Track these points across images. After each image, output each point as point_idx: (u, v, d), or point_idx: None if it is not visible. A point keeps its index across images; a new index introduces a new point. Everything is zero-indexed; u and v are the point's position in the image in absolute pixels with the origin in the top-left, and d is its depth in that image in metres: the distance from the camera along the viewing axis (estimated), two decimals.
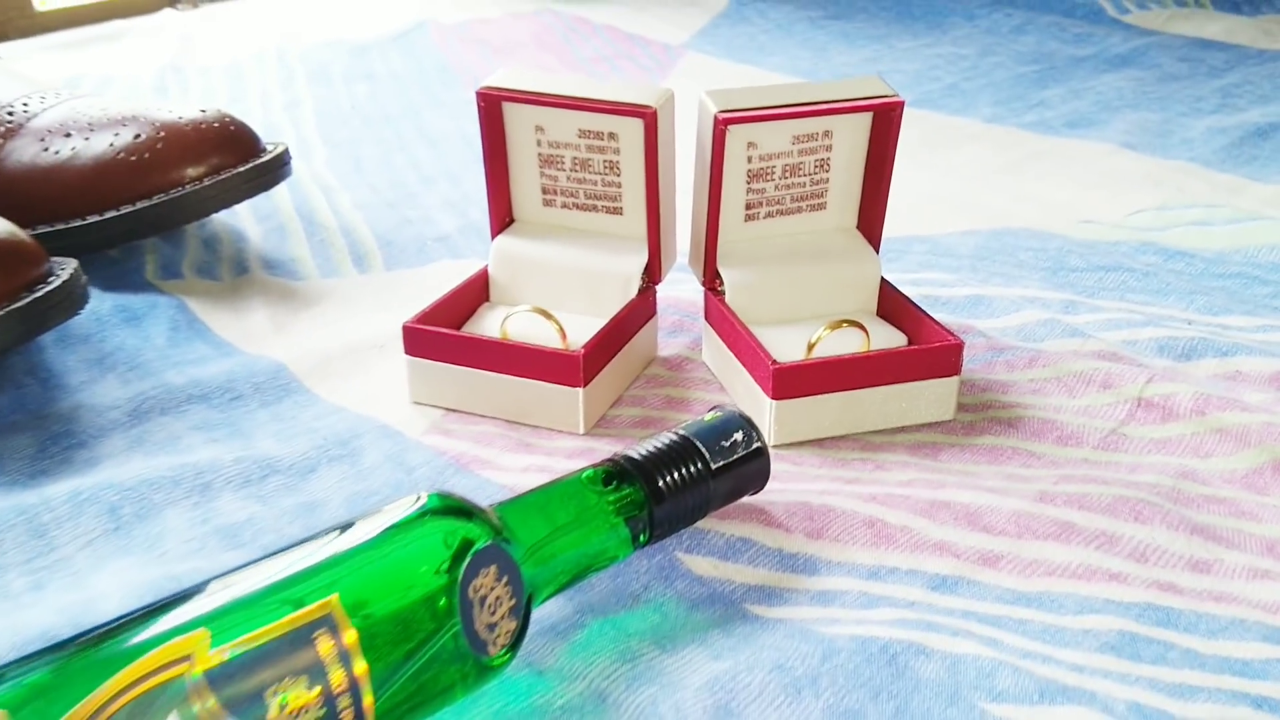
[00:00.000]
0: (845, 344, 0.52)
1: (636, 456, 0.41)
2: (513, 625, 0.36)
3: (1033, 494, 0.46)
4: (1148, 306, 0.61)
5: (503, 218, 0.58)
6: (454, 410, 0.52)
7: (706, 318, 0.56)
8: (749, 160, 0.54)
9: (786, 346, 0.53)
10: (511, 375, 0.50)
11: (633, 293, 0.55)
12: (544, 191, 0.57)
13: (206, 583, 0.33)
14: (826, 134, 0.54)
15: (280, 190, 0.71)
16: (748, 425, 0.44)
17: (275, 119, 0.85)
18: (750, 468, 0.43)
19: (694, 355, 0.57)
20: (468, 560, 0.35)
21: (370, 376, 0.54)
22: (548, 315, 0.53)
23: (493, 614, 0.35)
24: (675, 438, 0.42)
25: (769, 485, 0.46)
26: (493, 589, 0.36)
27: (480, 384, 0.51)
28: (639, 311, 0.55)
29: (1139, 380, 0.52)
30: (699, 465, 0.42)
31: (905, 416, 0.51)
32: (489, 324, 0.55)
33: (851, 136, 0.55)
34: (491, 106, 0.54)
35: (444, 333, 0.51)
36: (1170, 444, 0.50)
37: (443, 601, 0.34)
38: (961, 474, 0.48)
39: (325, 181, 0.74)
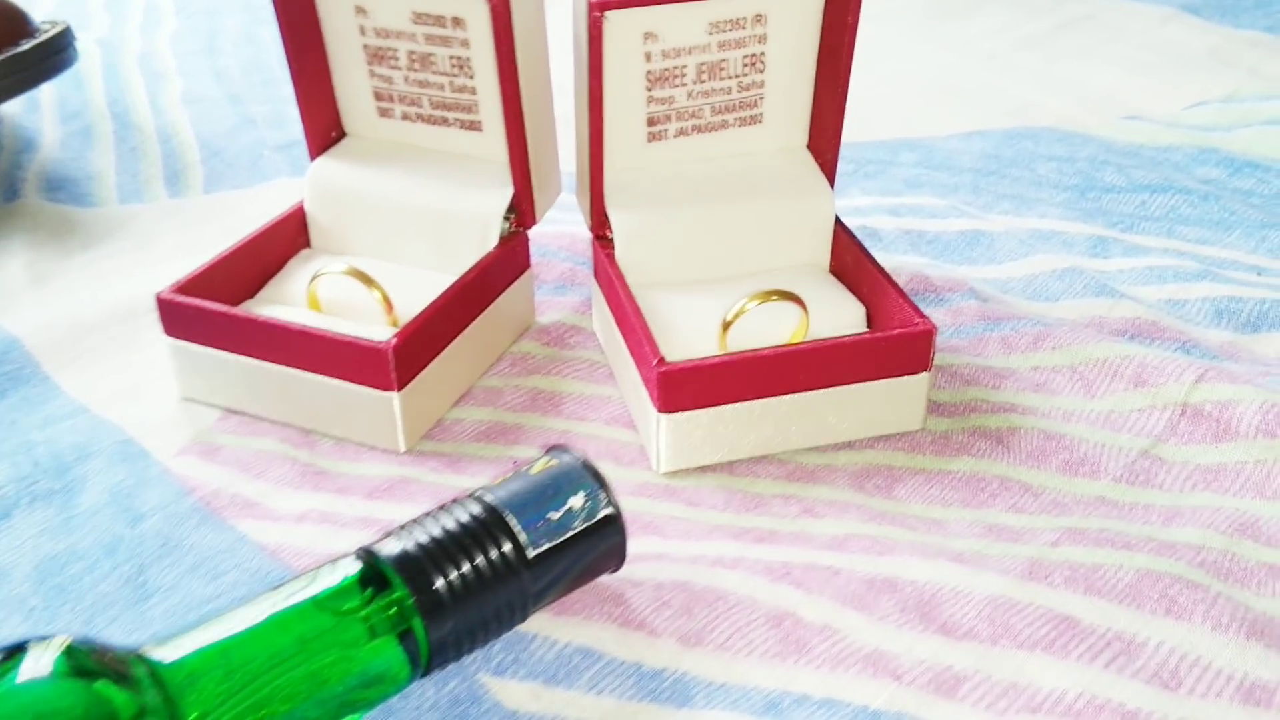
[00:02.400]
0: (776, 322, 0.37)
1: (405, 548, 0.27)
2: None
3: (1021, 563, 0.32)
4: (1205, 246, 0.46)
5: (324, 132, 0.43)
6: (235, 411, 0.38)
7: (596, 277, 0.41)
8: (648, 59, 0.39)
9: (697, 325, 0.38)
10: (302, 371, 0.36)
11: (493, 241, 0.40)
12: (377, 97, 0.42)
13: None
14: (758, 19, 0.39)
15: (95, 78, 0.56)
16: (592, 483, 0.30)
17: None
18: (593, 547, 0.29)
19: (585, 321, 0.42)
20: None
21: (137, 357, 0.40)
22: (367, 280, 0.38)
23: None
24: (477, 509, 0.28)
25: (636, 549, 0.32)
26: None
27: (262, 381, 0.37)
28: (501, 267, 0.40)
29: (1186, 377, 0.37)
30: (506, 553, 0.28)
31: (855, 429, 0.37)
32: (297, 285, 0.40)
33: (794, 22, 0.39)
34: None
35: (208, 308, 0.37)
36: (1225, 476, 0.35)
37: None
38: (922, 526, 0.34)
39: (157, 65, 0.59)
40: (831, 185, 0.41)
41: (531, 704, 0.29)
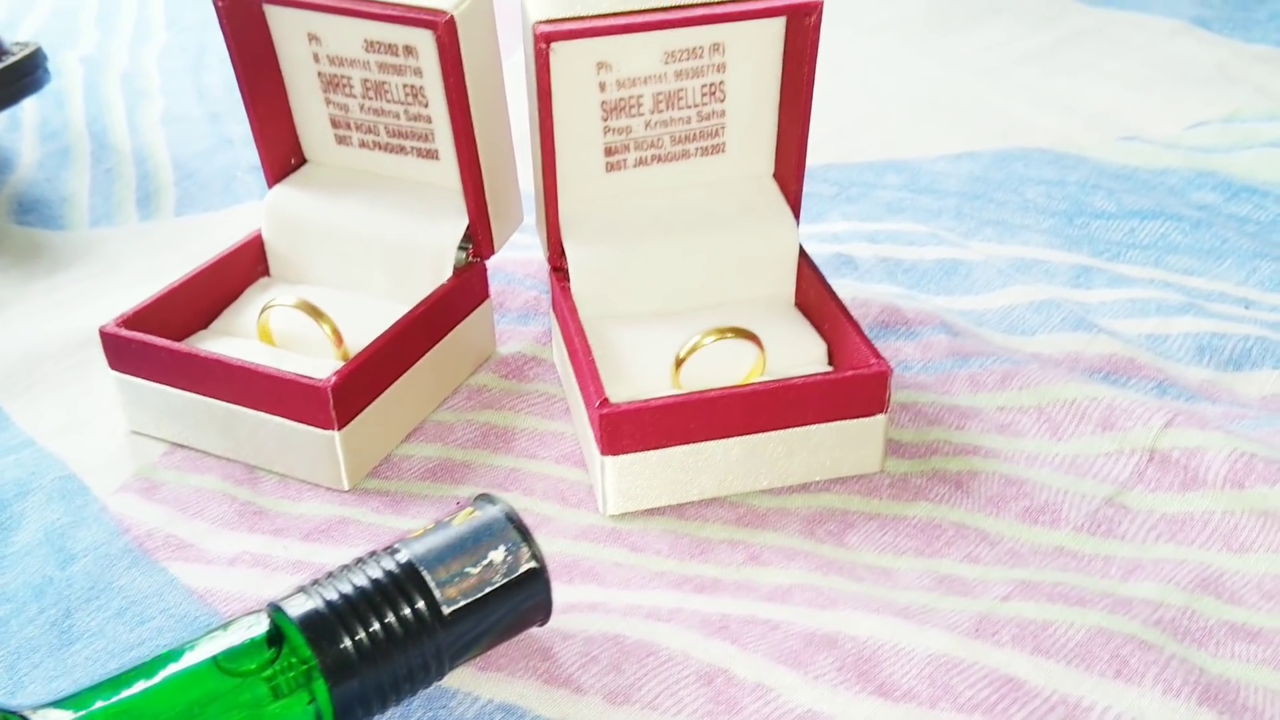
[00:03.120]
0: (733, 360, 0.36)
1: (314, 606, 0.27)
2: None
3: (969, 619, 0.31)
4: (1193, 277, 0.44)
5: (283, 159, 0.42)
6: (182, 446, 0.37)
7: (553, 309, 0.40)
8: (602, 88, 0.38)
9: (652, 361, 0.37)
10: (244, 408, 0.36)
11: (447, 271, 0.39)
12: (334, 125, 0.41)
13: None
14: (716, 48, 0.38)
15: (77, 97, 0.56)
16: (514, 536, 0.29)
17: None
18: (514, 602, 0.28)
19: (546, 352, 0.42)
20: None
21: (89, 388, 0.40)
22: (316, 313, 0.37)
23: None
24: (392, 565, 0.28)
25: (573, 597, 0.31)
26: None
27: (205, 416, 0.36)
28: (455, 299, 0.39)
29: (1155, 421, 0.36)
30: (419, 610, 0.27)
31: (810, 471, 0.35)
32: (251, 316, 0.40)
33: (753, 50, 0.38)
34: (236, 6, 0.38)
35: (150, 342, 0.36)
36: (1190, 526, 0.33)
37: None
38: (870, 576, 0.32)
39: (141, 84, 0.58)
40: (797, 215, 0.40)
41: None
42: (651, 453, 0.34)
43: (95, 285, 0.45)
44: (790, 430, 0.35)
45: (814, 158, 0.52)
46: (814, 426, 0.35)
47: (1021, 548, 0.33)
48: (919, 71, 0.60)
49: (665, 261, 0.39)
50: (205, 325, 0.40)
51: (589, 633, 0.31)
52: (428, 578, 0.27)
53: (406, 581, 0.27)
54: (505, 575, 0.28)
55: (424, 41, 0.37)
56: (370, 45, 0.38)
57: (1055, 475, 0.35)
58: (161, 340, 0.36)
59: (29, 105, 0.56)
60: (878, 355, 0.35)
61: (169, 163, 0.52)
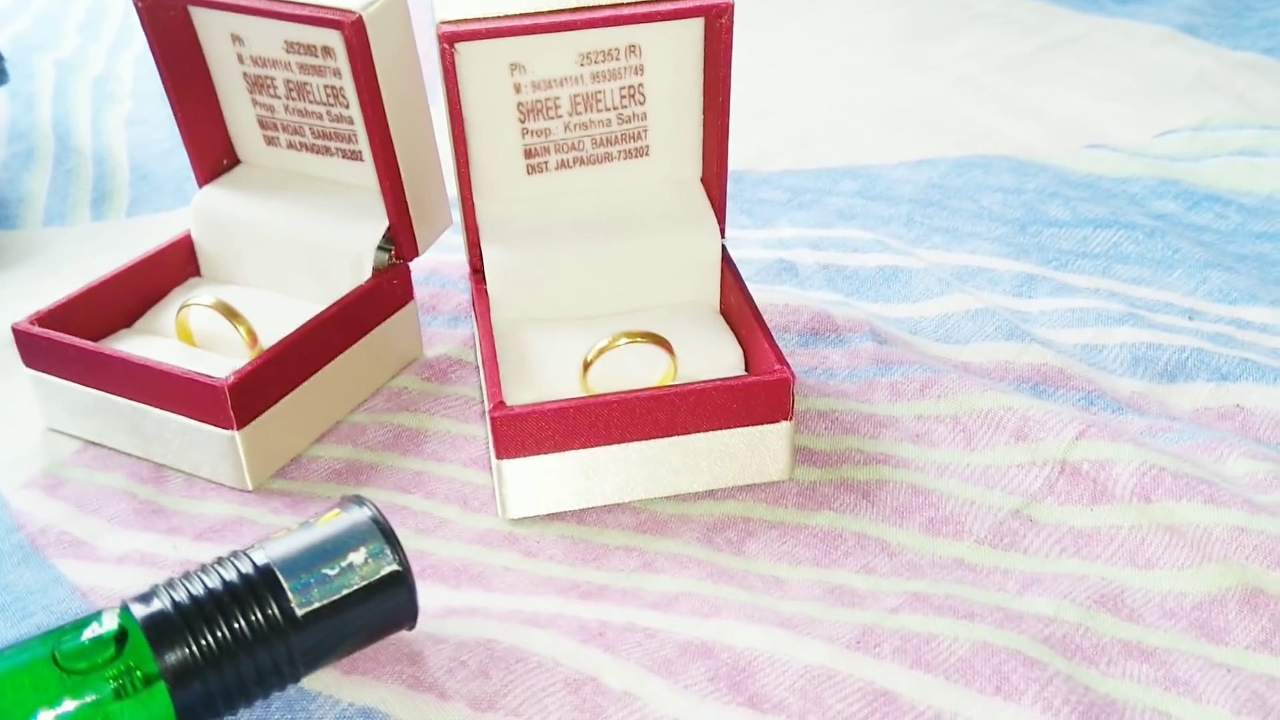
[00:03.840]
0: (648, 365, 0.36)
1: (162, 606, 0.26)
2: None
3: (853, 631, 0.30)
4: (1139, 287, 0.43)
5: (214, 160, 0.42)
6: (94, 444, 0.38)
7: (472, 311, 0.40)
8: (517, 89, 0.37)
9: (563, 365, 0.37)
10: (149, 406, 0.36)
11: (366, 273, 0.39)
12: (261, 126, 0.41)
13: None
14: (632, 50, 0.37)
15: (46, 100, 0.57)
16: (377, 538, 0.28)
17: None
18: (375, 605, 0.28)
19: (472, 355, 0.41)
20: None
21: (12, 384, 0.40)
22: (231, 314, 0.37)
23: None
24: (248, 566, 0.27)
25: (455, 602, 0.31)
26: None
27: (114, 414, 0.37)
28: (372, 300, 0.39)
29: (1066, 432, 0.35)
30: (271, 612, 0.27)
31: (714, 478, 0.35)
32: (173, 315, 0.40)
33: (672, 53, 0.37)
34: (155, 7, 0.38)
35: (59, 339, 0.36)
36: (1097, 541, 0.32)
37: None
38: (761, 585, 0.32)
39: (112, 87, 0.59)
40: (721, 219, 0.39)
41: None
42: (547, 457, 0.33)
43: (37, 285, 0.45)
44: (691, 436, 0.34)
45: (771, 164, 0.52)
46: (715, 433, 0.34)
47: (921, 559, 0.33)
48: (891, 80, 0.59)
49: (583, 265, 0.38)
50: (129, 324, 0.40)
51: (462, 638, 0.30)
52: (283, 580, 0.27)
53: (260, 583, 0.27)
54: (365, 579, 0.28)
55: (340, 42, 0.37)
56: (290, 46, 0.38)
57: (964, 486, 0.34)
58: (70, 338, 0.36)
59: (0, 108, 0.57)
60: (783, 361, 0.34)
61: (126, 164, 0.52)
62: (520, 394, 0.36)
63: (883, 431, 0.37)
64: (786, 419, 0.34)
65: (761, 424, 0.34)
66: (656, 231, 0.39)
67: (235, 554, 0.28)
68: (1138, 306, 0.42)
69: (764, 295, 0.42)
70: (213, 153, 0.42)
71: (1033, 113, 0.56)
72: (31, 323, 0.37)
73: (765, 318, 0.41)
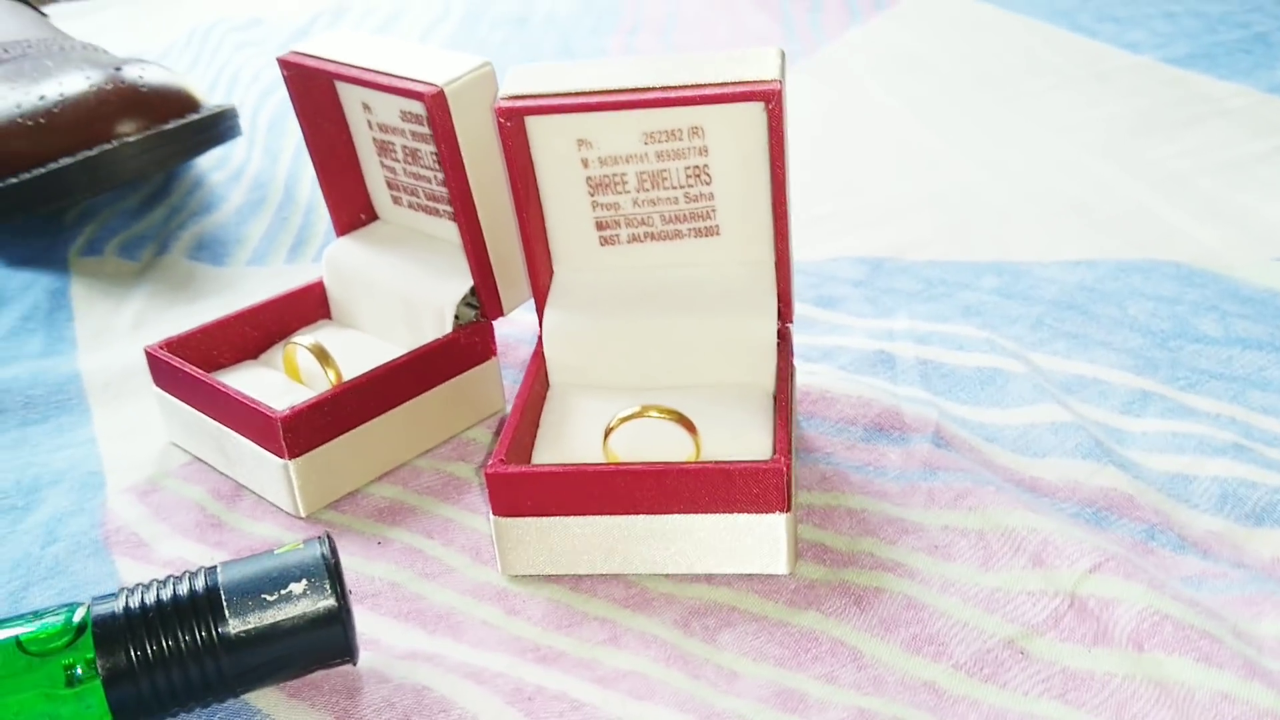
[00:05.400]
0: (674, 442, 0.36)
1: (115, 609, 0.29)
2: None
3: None
4: (1266, 417, 0.39)
5: (353, 215, 0.46)
6: (199, 460, 0.42)
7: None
8: (585, 164, 0.39)
9: (596, 429, 0.37)
10: (230, 430, 0.40)
11: (447, 328, 0.42)
12: (389, 186, 0.45)
13: None
14: (695, 131, 0.38)
15: (286, 155, 0.63)
16: (321, 572, 0.30)
17: None
18: (308, 637, 0.30)
19: None
20: None
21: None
22: (323, 357, 0.41)
23: None
24: (200, 583, 0.30)
25: (420, 647, 0.32)
26: None
27: (208, 435, 0.41)
28: (449, 354, 0.41)
29: (1081, 563, 0.32)
30: (206, 630, 0.29)
31: (710, 562, 0.34)
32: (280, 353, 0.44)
33: (735, 136, 0.38)
34: (299, 75, 0.43)
35: (170, 362, 0.41)
36: (1088, 686, 0.29)
37: None
38: (712, 677, 0.31)
39: None
40: (786, 304, 0.39)
41: None
42: (538, 519, 0.34)
43: (214, 315, 0.51)
44: (679, 516, 0.34)
45: (918, 253, 0.51)
46: (707, 516, 0.34)
47: (888, 676, 0.31)
48: (1089, 174, 0.56)
49: (638, 338, 0.39)
50: (255, 356, 0.45)
51: (402, 680, 0.32)
52: (224, 599, 0.30)
53: (204, 601, 0.30)
54: (301, 611, 0.30)
55: None
56: (405, 115, 0.42)
57: (963, 606, 0.32)
58: (182, 363, 0.41)
59: (253, 158, 0.64)
60: (785, 452, 0.33)
61: (328, 216, 0.58)
62: (548, 453, 0.37)
63: (903, 538, 0.35)
64: (782, 510, 0.33)
65: (753, 512, 0.33)
66: (713, 311, 0.39)
67: (197, 571, 0.31)
68: (1252, 438, 0.37)
69: (845, 386, 0.41)
70: (351, 208, 0.46)
71: (1230, 218, 0.51)
72: (161, 348, 0.42)
73: (837, 409, 0.40)
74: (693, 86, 0.36)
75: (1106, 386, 0.41)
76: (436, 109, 0.38)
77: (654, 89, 0.36)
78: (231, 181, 0.62)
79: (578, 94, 0.36)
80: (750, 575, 0.34)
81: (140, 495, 0.40)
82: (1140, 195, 0.54)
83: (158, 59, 0.79)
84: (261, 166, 0.63)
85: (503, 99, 0.36)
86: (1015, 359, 0.42)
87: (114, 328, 0.51)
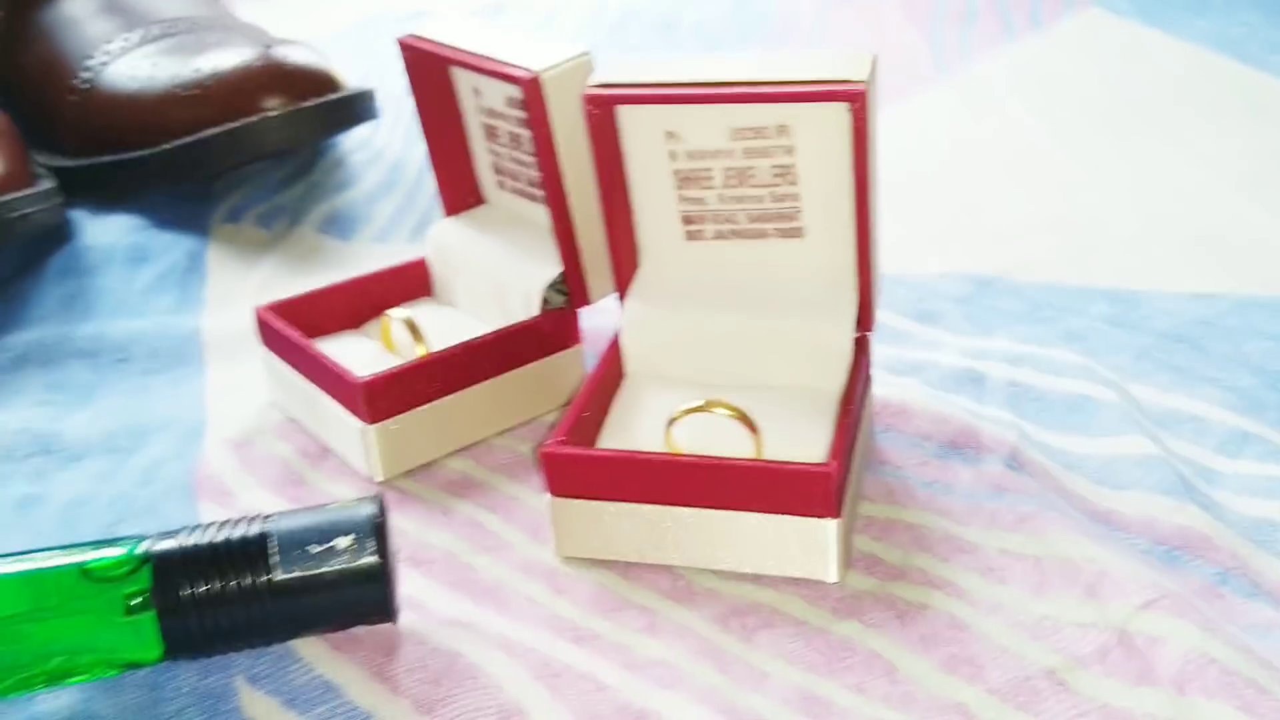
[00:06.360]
0: (736, 439, 0.36)
1: (172, 547, 0.31)
2: None
3: None
4: None
5: (461, 197, 0.47)
6: (294, 419, 0.44)
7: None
8: (673, 157, 0.39)
9: (662, 421, 0.38)
10: (321, 391, 0.41)
11: (534, 311, 0.42)
12: (496, 171, 0.46)
13: None
14: (782, 130, 0.38)
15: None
16: (367, 530, 0.31)
17: None
18: (349, 590, 0.31)
19: None
20: None
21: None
22: (415, 331, 0.42)
23: None
24: (252, 530, 0.31)
25: (463, 615, 0.33)
26: None
27: (303, 396, 0.42)
28: (533, 337, 0.42)
29: (1135, 598, 0.31)
30: (255, 575, 0.31)
31: (757, 562, 0.34)
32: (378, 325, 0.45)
33: (820, 137, 0.37)
34: (417, 58, 0.44)
35: (273, 324, 0.43)
36: None
37: None
38: (741, 676, 0.31)
39: None
40: (867, 313, 0.38)
41: (267, 718, 0.31)
42: (591, 503, 0.35)
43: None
44: (725, 512, 0.34)
45: (1031, 274, 0.49)
46: (756, 515, 0.34)
47: (919, 693, 0.30)
48: (1222, 204, 0.53)
49: (714, 335, 0.39)
50: (358, 326, 0.46)
51: (439, 644, 0.32)
52: (272, 547, 0.31)
53: (252, 547, 0.31)
54: (345, 563, 0.31)
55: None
56: (510, 101, 0.43)
57: (1008, 631, 0.31)
58: (285, 326, 0.43)
59: (393, 142, 0.66)
60: (840, 456, 0.33)
61: None
62: (613, 440, 0.38)
63: (958, 557, 0.34)
64: (832, 516, 0.33)
65: (802, 515, 0.33)
66: (791, 314, 0.39)
67: (253, 518, 0.32)
68: None
69: (926, 401, 0.40)
70: (460, 191, 0.47)
71: None
72: (269, 310, 0.44)
73: (914, 423, 0.40)
74: (779, 84, 0.36)
75: (1205, 424, 0.39)
76: (532, 95, 0.39)
77: (740, 84, 0.36)
78: (370, 163, 0.65)
79: (665, 85, 0.37)
80: (798, 580, 0.34)
81: (234, 448, 0.42)
82: (1273, 231, 0.51)
83: (322, 47, 0.83)
84: (400, 150, 0.66)
85: (591, 87, 0.37)
86: (1110, 388, 0.41)
87: (240, 292, 0.53)
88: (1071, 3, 0.81)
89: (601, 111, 0.37)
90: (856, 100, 0.35)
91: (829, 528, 0.33)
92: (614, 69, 0.38)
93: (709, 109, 0.38)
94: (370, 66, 0.78)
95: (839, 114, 0.37)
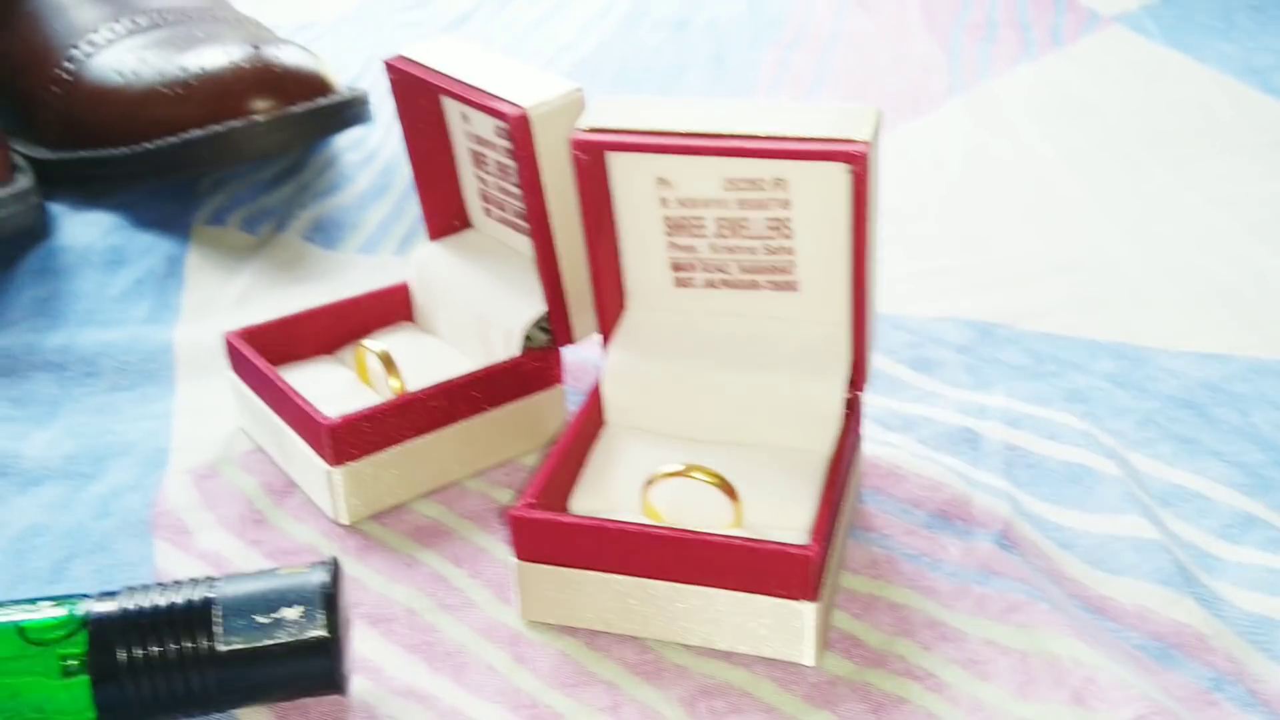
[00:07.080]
0: (716, 504, 0.34)
1: (113, 610, 0.30)
2: None
3: None
4: None
5: (446, 221, 0.46)
6: (262, 449, 0.42)
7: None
8: (664, 204, 0.37)
9: (639, 479, 0.36)
10: (287, 426, 0.40)
11: (515, 350, 0.41)
12: (483, 198, 0.44)
13: None
14: (778, 183, 0.36)
15: None
16: (316, 601, 0.30)
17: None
18: (296, 663, 0.30)
19: None
20: None
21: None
22: (389, 365, 0.40)
23: None
24: (197, 595, 0.30)
25: (416, 683, 0.32)
26: None
27: (269, 428, 0.41)
28: (511, 378, 0.40)
29: (1124, 711, 0.29)
30: (196, 643, 0.29)
31: (731, 640, 0.33)
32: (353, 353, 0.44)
33: (818, 193, 0.35)
34: (404, 80, 0.42)
35: (242, 351, 0.41)
36: None
37: None
38: None
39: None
40: (859, 372, 0.37)
41: None
42: (556, 568, 0.33)
43: (317, 297, 0.51)
44: (696, 588, 0.32)
45: (1034, 323, 0.47)
46: (727, 593, 0.32)
47: None
48: (1239, 255, 0.51)
49: (699, 388, 0.37)
50: (332, 351, 0.45)
51: (385, 714, 0.31)
52: (217, 615, 0.29)
53: (198, 613, 0.29)
54: (290, 636, 0.29)
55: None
56: (499, 131, 0.41)
57: None
58: (251, 353, 0.41)
59: (388, 144, 0.64)
60: (821, 539, 0.31)
61: None
62: (589, 494, 0.36)
63: (941, 645, 0.32)
64: (809, 599, 0.31)
65: (779, 596, 0.32)
66: (780, 371, 0.37)
67: (197, 581, 0.30)
68: None
69: (917, 464, 0.39)
70: (445, 214, 0.45)
71: None
72: (240, 336, 0.42)
73: (904, 487, 0.38)
74: (776, 139, 0.34)
75: (1208, 503, 0.37)
76: (519, 131, 0.37)
77: (735, 136, 0.34)
78: (363, 165, 0.63)
79: (656, 133, 0.35)
80: (772, 660, 0.33)
81: (196, 479, 0.41)
82: None
83: (324, 32, 0.80)
84: (394, 152, 0.64)
85: (581, 131, 0.35)
86: (1111, 458, 0.39)
87: (218, 301, 0.51)
88: (1094, 20, 0.79)
89: (590, 157, 0.35)
90: (857, 162, 0.33)
91: (806, 611, 0.32)
92: (605, 110, 0.36)
93: (701, 158, 0.36)
94: (372, 56, 0.75)
95: (840, 172, 0.35)
